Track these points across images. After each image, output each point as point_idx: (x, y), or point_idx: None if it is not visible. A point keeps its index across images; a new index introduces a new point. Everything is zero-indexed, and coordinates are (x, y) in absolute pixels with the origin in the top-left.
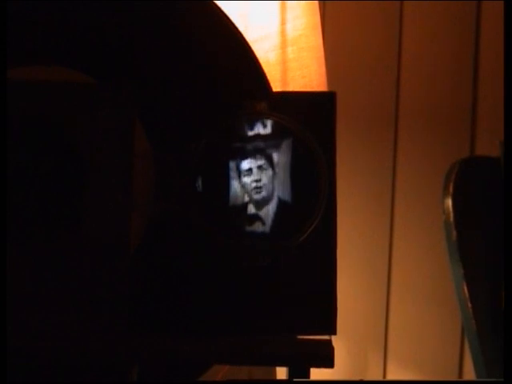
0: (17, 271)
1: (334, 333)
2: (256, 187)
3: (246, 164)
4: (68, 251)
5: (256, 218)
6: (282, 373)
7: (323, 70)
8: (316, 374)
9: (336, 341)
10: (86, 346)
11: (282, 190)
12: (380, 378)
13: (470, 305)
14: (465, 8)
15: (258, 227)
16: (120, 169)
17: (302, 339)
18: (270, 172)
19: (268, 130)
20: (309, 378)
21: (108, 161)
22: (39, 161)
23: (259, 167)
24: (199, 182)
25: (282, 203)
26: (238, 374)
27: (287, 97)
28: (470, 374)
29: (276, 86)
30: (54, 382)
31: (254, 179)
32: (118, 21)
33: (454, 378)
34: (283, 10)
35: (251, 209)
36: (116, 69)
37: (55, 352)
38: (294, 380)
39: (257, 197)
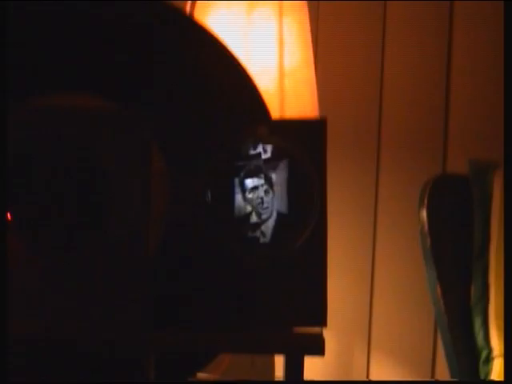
0: (49, 274)
1: (325, 325)
2: (257, 202)
3: (248, 182)
4: (94, 255)
5: (257, 227)
6: (279, 360)
7: (315, 98)
8: (308, 361)
9: (326, 332)
10: (110, 339)
11: (279, 204)
12: (365, 366)
13: (442, 302)
14: (436, 41)
15: (258, 235)
16: (139, 184)
17: (297, 331)
18: (269, 189)
19: (268, 152)
20: (303, 364)
21: (129, 177)
22: (68, 177)
23: (260, 185)
24: (208, 196)
25: (279, 215)
26: (242, 361)
27: (284, 123)
28: (442, 361)
29: (275, 113)
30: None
31: (256, 195)
32: (139, 54)
33: (429, 365)
34: (281, 47)
35: (253, 220)
36: (136, 96)
37: (83, 344)
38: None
39: (258, 210)
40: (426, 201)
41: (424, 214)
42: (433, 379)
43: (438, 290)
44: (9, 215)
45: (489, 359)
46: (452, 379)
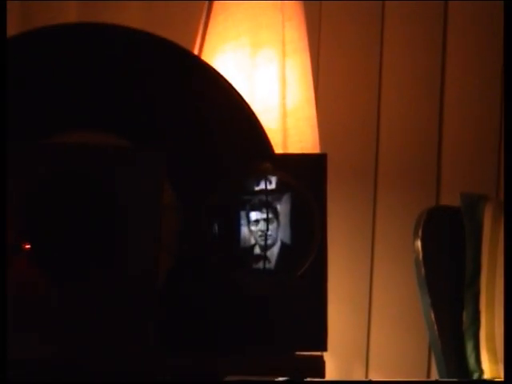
0: (64, 300)
1: (325, 350)
2: (262, 233)
3: (253, 214)
4: (106, 284)
5: (262, 256)
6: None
7: (316, 135)
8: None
9: (326, 355)
10: (120, 363)
11: (283, 234)
12: None
13: (435, 327)
14: (429, 73)
15: (263, 264)
16: (150, 216)
17: (299, 355)
18: (273, 220)
19: (272, 185)
20: None
21: (140, 210)
22: (84, 211)
23: (265, 217)
24: (215, 228)
25: (283, 244)
26: None
27: (287, 158)
28: None
29: (278, 149)
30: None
31: (260, 227)
32: (151, 95)
33: None
34: (283, 87)
35: (257, 250)
36: (147, 135)
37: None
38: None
39: (262, 240)
40: (420, 232)
41: (418, 244)
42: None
43: (432, 315)
44: (28, 245)
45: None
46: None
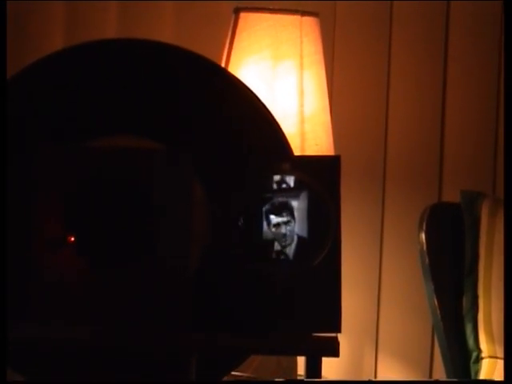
0: (102, 285)
1: (339, 331)
2: (282, 228)
3: (274, 210)
4: (144, 270)
5: (282, 248)
6: (301, 360)
7: (331, 139)
8: (325, 360)
9: (340, 337)
10: (158, 340)
11: (301, 228)
12: (373, 364)
13: (438, 311)
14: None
15: (283, 255)
16: (182, 212)
17: (316, 336)
18: (292, 215)
19: (291, 184)
20: (321, 364)
21: (173, 206)
22: (123, 206)
23: (285, 213)
24: (241, 223)
25: (301, 237)
26: (270, 361)
27: (305, 159)
28: (438, 360)
29: (296, 152)
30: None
31: (281, 222)
32: (183, 103)
33: (427, 363)
34: (301, 96)
35: (278, 242)
36: (179, 139)
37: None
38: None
39: (283, 234)
40: (424, 225)
41: (423, 236)
42: (432, 379)
43: (435, 300)
44: (73, 238)
45: (478, 359)
46: (452, 379)
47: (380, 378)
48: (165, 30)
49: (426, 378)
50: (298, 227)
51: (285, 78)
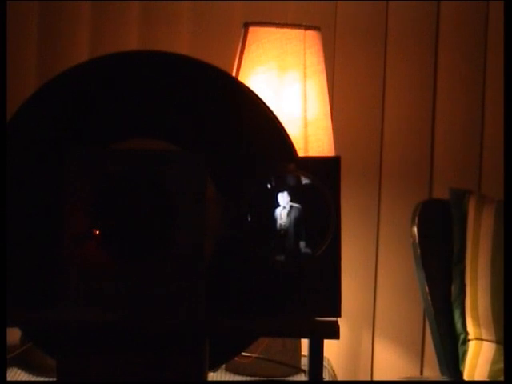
0: (126, 276)
1: (339, 315)
2: (287, 221)
3: (280, 206)
4: (163, 262)
5: (288, 239)
6: (304, 342)
7: (332, 141)
8: (327, 342)
9: (340, 321)
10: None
11: (304, 222)
12: (370, 346)
13: (429, 297)
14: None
15: (289, 246)
16: (197, 207)
17: (318, 320)
18: (296, 211)
19: (296, 182)
20: (323, 345)
21: (188, 202)
22: (143, 203)
23: (290, 208)
24: (249, 217)
25: (305, 230)
26: (275, 343)
27: (308, 160)
28: (429, 342)
29: (300, 153)
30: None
31: (286, 216)
32: (194, 112)
33: (419, 344)
34: (304, 103)
35: (284, 234)
36: (193, 141)
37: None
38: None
39: (288, 227)
40: (416, 219)
41: (415, 230)
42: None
43: (426, 287)
44: (98, 232)
45: (465, 341)
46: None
47: (376, 357)
48: (182, 42)
49: (417, 357)
50: (301, 221)
51: (290, 86)
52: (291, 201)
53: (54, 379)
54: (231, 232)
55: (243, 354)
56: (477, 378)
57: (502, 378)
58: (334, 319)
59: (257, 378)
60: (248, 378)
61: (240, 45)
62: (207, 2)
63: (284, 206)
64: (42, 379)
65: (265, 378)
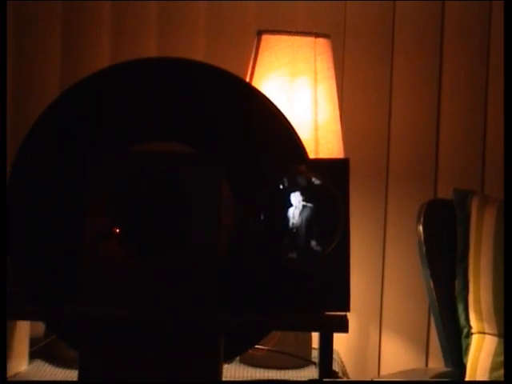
0: (145, 271)
1: (349, 310)
2: (298, 220)
3: (292, 206)
4: (180, 259)
5: (299, 238)
6: (315, 335)
7: (341, 144)
8: (336, 335)
9: (349, 315)
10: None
11: (315, 221)
12: (378, 339)
13: (434, 293)
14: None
15: (300, 244)
16: (212, 207)
17: (328, 314)
18: (307, 210)
19: (307, 183)
20: (332, 338)
21: (204, 201)
22: (160, 202)
23: (301, 208)
24: (263, 215)
25: (315, 229)
26: (287, 336)
27: (318, 162)
28: (434, 335)
29: (311, 155)
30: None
31: (297, 215)
32: (210, 115)
33: (424, 337)
34: (315, 107)
35: (296, 232)
36: (209, 144)
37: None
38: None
39: (299, 225)
40: (422, 219)
41: (420, 228)
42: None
43: (431, 283)
44: (118, 230)
45: (468, 334)
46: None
47: (383, 350)
48: (198, 49)
49: (423, 350)
50: (312, 220)
51: (301, 91)
52: (303, 201)
53: (76, 370)
54: (245, 231)
55: (257, 346)
56: (479, 369)
57: (503, 370)
58: (343, 314)
59: (269, 370)
60: (261, 370)
61: (253, 52)
62: (222, 12)
63: (296, 206)
64: (64, 371)
65: (277, 370)
